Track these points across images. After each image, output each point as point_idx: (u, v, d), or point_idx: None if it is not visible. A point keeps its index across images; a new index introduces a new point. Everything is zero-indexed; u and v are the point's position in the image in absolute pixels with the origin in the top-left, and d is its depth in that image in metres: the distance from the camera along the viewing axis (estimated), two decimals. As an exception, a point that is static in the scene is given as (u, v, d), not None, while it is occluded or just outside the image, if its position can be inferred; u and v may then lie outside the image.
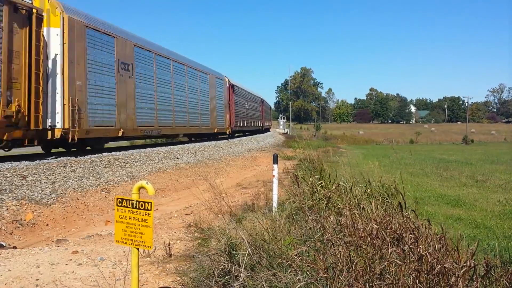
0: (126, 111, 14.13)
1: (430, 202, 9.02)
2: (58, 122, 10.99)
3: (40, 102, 10.30)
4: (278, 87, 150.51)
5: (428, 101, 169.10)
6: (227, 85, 27.99)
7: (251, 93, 39.46)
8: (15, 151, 13.22)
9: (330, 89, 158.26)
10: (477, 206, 8.78)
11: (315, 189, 5.61)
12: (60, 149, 13.31)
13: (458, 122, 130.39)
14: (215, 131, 24.49)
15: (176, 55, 19.60)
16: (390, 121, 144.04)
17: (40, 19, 10.45)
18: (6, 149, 10.55)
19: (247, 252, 3.21)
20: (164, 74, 17.55)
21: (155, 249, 4.71)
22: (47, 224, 6.91)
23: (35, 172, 8.83)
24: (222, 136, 27.71)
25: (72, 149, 13.14)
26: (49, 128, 10.96)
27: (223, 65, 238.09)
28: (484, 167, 17.88)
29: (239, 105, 31.38)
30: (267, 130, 53.67)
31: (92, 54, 12.41)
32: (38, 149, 13.38)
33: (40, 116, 10.29)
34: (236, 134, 32.58)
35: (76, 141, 11.45)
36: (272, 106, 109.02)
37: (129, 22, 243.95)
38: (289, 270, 3.00)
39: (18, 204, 6.99)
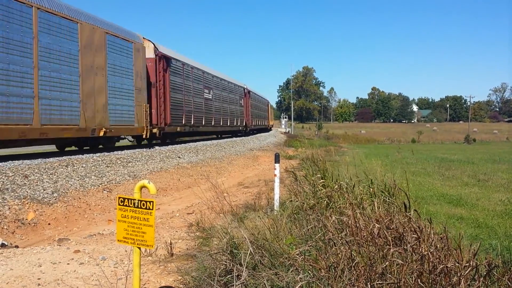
0: None
1: (432, 202, 9.01)
2: None
3: None
4: (280, 86, 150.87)
5: (430, 100, 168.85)
6: (151, 55, 16.64)
7: (220, 77, 26.78)
8: (16, 150, 13.23)
9: (332, 89, 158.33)
10: (479, 205, 8.77)
11: (317, 188, 5.62)
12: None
13: (460, 121, 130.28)
14: (101, 134, 13.31)
15: None
16: (392, 120, 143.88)
17: None
18: None
19: (249, 251, 3.21)
20: None
21: (156, 248, 4.72)
22: (49, 223, 6.92)
23: (37, 172, 8.84)
24: (143, 143, 18.03)
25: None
26: None
27: (224, 65, 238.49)
28: (486, 167, 17.83)
29: (185, 92, 19.88)
30: (264, 129, 45.14)
31: None
32: (40, 148, 13.38)
33: None
34: (178, 139, 22.44)
35: None
36: (274, 105, 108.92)
37: (129, 22, 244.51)
38: (290, 269, 3.00)
39: (20, 203, 7.01)
